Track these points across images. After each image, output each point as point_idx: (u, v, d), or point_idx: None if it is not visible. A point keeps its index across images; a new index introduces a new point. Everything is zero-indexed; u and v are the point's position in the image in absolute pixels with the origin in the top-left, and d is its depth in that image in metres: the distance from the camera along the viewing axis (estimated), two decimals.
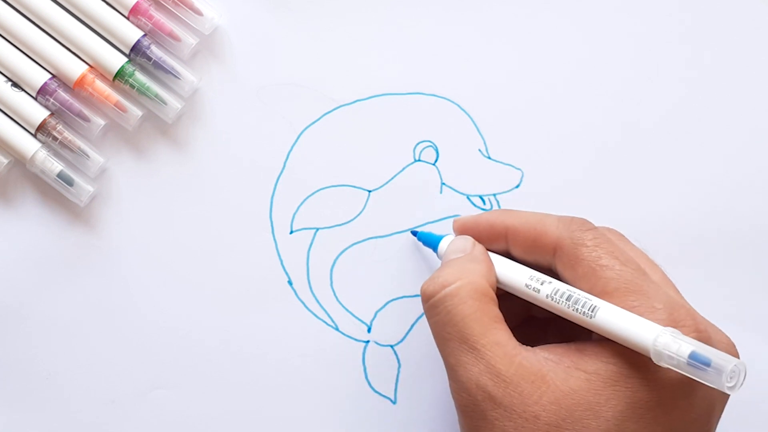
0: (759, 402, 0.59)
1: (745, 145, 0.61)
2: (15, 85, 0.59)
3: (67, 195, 0.59)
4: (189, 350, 0.59)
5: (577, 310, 0.50)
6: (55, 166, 0.59)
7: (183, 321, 0.59)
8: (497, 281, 0.53)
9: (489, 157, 0.60)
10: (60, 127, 0.59)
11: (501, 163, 0.60)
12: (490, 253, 0.54)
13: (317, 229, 0.60)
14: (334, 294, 0.60)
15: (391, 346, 0.59)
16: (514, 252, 0.54)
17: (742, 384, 0.46)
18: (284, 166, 0.60)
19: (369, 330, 0.59)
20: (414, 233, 0.59)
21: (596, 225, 0.53)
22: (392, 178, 0.60)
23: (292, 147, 0.60)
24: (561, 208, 0.59)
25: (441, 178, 0.60)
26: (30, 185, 0.60)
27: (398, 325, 0.59)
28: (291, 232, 0.60)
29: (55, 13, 0.59)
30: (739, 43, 0.61)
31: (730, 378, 0.46)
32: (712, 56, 0.61)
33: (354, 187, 0.60)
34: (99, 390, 0.59)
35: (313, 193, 0.60)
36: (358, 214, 0.60)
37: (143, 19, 0.59)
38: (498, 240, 0.54)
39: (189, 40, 0.59)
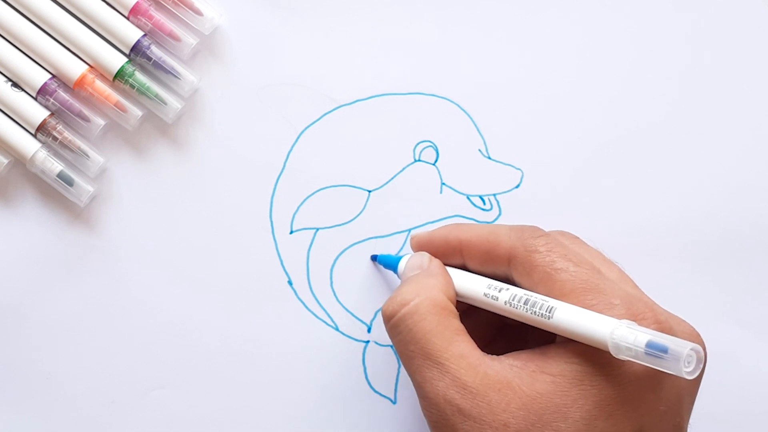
0: (759, 402, 0.59)
1: (745, 146, 0.61)
2: (15, 85, 0.59)
3: (67, 195, 0.59)
4: (189, 350, 0.59)
5: (534, 312, 0.50)
6: (55, 166, 0.59)
7: (183, 321, 0.59)
8: (456, 294, 0.53)
9: (489, 157, 0.60)
10: (60, 127, 0.59)
11: (501, 163, 0.60)
12: (448, 267, 0.54)
13: (317, 229, 0.60)
14: (334, 294, 0.60)
15: (391, 346, 0.59)
16: (471, 265, 0.54)
17: (701, 368, 0.46)
18: (284, 166, 0.60)
19: (369, 330, 0.59)
20: (374, 258, 0.59)
21: (547, 231, 0.53)
22: (392, 178, 0.60)
23: (292, 147, 0.60)
24: (561, 207, 0.59)
25: (441, 178, 0.60)
26: (30, 185, 0.60)
27: None
28: (291, 232, 0.60)
29: (55, 13, 0.59)
30: (739, 44, 0.61)
31: (688, 363, 0.46)
32: (712, 56, 0.61)
33: (354, 187, 0.60)
34: (99, 390, 0.59)
35: (313, 193, 0.60)
36: (358, 214, 0.60)
37: (143, 19, 0.59)
38: (454, 254, 0.54)
39: (189, 40, 0.59)
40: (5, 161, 0.59)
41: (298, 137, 0.60)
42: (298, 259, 0.60)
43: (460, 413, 0.49)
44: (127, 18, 0.59)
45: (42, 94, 0.59)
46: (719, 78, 0.61)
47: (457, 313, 0.52)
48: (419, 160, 0.60)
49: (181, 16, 0.59)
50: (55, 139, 0.59)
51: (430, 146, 0.60)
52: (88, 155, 0.59)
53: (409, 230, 0.60)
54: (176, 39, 0.59)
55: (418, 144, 0.60)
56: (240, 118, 0.60)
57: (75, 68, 0.59)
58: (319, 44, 0.60)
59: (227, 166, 0.60)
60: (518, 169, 0.60)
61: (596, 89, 0.61)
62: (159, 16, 0.59)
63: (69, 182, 0.59)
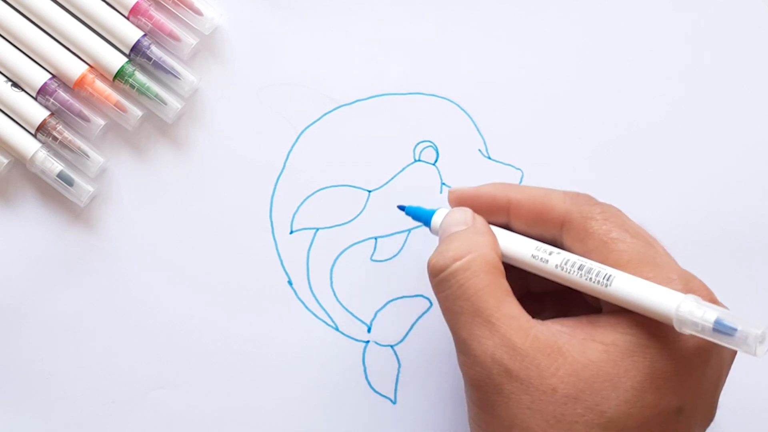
0: (759, 402, 0.59)
1: (746, 146, 0.61)
2: (15, 85, 0.59)
3: (67, 195, 0.59)
4: (189, 350, 0.59)
5: (591, 279, 0.49)
6: (55, 166, 0.59)
7: (183, 321, 0.59)
8: (503, 255, 0.52)
9: (489, 157, 0.60)
10: (60, 127, 0.59)
11: (501, 163, 0.60)
12: (495, 229, 0.53)
13: (317, 229, 0.60)
14: (334, 294, 0.60)
15: (391, 346, 0.59)
16: (516, 226, 0.53)
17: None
18: (284, 166, 0.60)
19: (369, 330, 0.59)
20: (401, 208, 0.57)
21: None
22: (392, 178, 0.60)
23: (292, 147, 0.60)
24: None
25: (441, 178, 0.60)
26: (30, 185, 0.60)
27: (398, 325, 0.59)
28: (291, 232, 0.60)
29: (55, 13, 0.59)
30: (739, 44, 0.61)
31: (761, 343, 0.46)
32: (712, 56, 0.61)
33: (354, 187, 0.60)
34: (99, 390, 0.59)
35: (313, 193, 0.60)
36: (358, 214, 0.60)
37: (143, 19, 0.59)
38: (499, 213, 0.53)
39: (189, 40, 0.59)
40: (5, 161, 0.59)
41: (298, 137, 0.60)
42: (298, 259, 0.60)
43: (507, 374, 0.48)
44: (127, 18, 0.59)
45: (42, 94, 0.59)
46: (719, 78, 0.61)
47: (505, 274, 0.51)
48: (419, 160, 0.60)
49: (181, 16, 0.59)
50: (55, 139, 0.59)
51: (430, 146, 0.60)
52: (88, 155, 0.59)
53: (410, 230, 0.60)
54: (176, 39, 0.59)
55: (418, 144, 0.60)
56: (240, 118, 0.60)
57: (75, 68, 0.59)
58: (319, 44, 0.60)
59: (227, 166, 0.60)
60: (518, 169, 0.60)
61: (596, 89, 0.61)
62: (159, 16, 0.59)
63: (69, 182, 0.59)
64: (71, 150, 0.59)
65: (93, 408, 0.59)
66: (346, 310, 0.59)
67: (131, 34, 0.59)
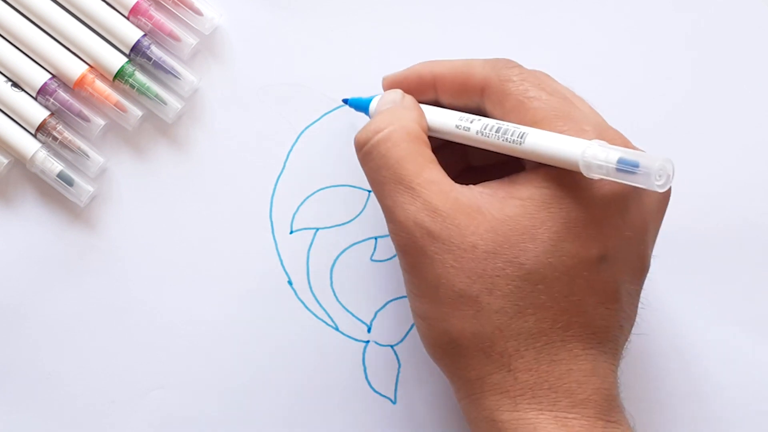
0: (759, 402, 0.59)
1: (746, 146, 0.61)
2: (15, 85, 0.59)
3: (67, 195, 0.59)
4: (189, 350, 0.59)
5: (506, 140, 0.50)
6: (55, 166, 0.59)
7: (183, 321, 0.59)
8: (429, 128, 0.53)
9: None
10: (60, 127, 0.59)
11: None
12: (422, 105, 0.54)
13: (317, 229, 0.60)
14: (334, 294, 0.60)
15: (391, 346, 0.59)
16: (444, 99, 0.55)
17: (670, 183, 0.47)
18: (284, 166, 0.60)
19: (369, 330, 0.59)
20: (345, 101, 0.59)
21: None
22: None
23: (292, 147, 0.60)
24: None
25: None
26: (30, 185, 0.60)
27: (398, 325, 0.59)
28: (291, 232, 0.60)
29: (55, 13, 0.59)
30: (739, 44, 0.61)
31: (659, 176, 0.47)
32: (712, 56, 0.61)
33: (354, 187, 0.60)
34: (99, 390, 0.59)
35: (313, 193, 0.60)
36: (358, 214, 0.60)
37: (143, 19, 0.59)
38: (427, 90, 0.55)
39: (189, 40, 0.59)
40: (5, 161, 0.59)
41: (298, 137, 0.60)
42: (298, 259, 0.60)
43: (429, 236, 0.50)
44: (127, 18, 0.59)
45: (42, 94, 0.59)
46: (719, 78, 0.61)
47: (429, 144, 0.52)
48: None
49: (181, 16, 0.59)
50: (55, 139, 0.59)
51: None
52: (88, 155, 0.59)
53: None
54: (176, 39, 0.59)
55: None
56: (240, 118, 0.60)
57: (75, 68, 0.59)
58: (319, 44, 0.60)
59: (227, 166, 0.60)
60: None
61: (596, 89, 0.60)
62: (159, 16, 0.59)
63: (69, 182, 0.59)
64: (71, 150, 0.59)
65: (93, 408, 0.59)
66: (346, 310, 0.59)
67: (131, 34, 0.59)
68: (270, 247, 0.60)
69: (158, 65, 0.59)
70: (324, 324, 0.59)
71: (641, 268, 0.51)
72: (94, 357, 0.59)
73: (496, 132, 0.51)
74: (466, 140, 0.52)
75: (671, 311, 0.60)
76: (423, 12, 0.61)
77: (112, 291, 0.59)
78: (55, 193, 0.59)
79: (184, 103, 0.60)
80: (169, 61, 0.59)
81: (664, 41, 0.61)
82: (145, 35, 0.59)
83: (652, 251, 0.52)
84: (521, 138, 0.50)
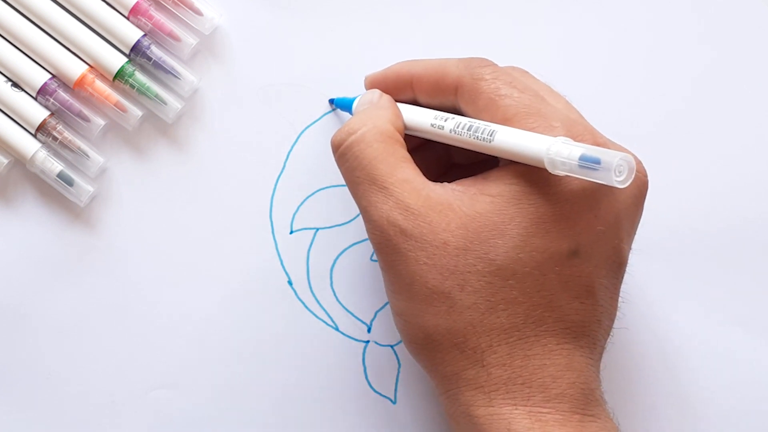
0: (759, 402, 0.59)
1: (746, 146, 0.61)
2: (15, 85, 0.59)
3: (67, 195, 0.59)
4: (189, 350, 0.59)
5: (477, 137, 0.51)
6: (55, 166, 0.59)
7: (183, 321, 0.59)
8: (406, 127, 0.54)
9: None
10: (60, 127, 0.59)
11: None
12: (399, 104, 0.55)
13: (317, 229, 0.60)
14: (334, 294, 0.60)
15: (391, 346, 0.59)
16: (421, 99, 0.55)
17: (631, 178, 0.47)
18: (284, 166, 0.60)
19: (369, 330, 0.59)
20: (331, 101, 0.60)
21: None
22: None
23: (292, 147, 0.60)
24: None
25: None
26: (30, 185, 0.60)
27: None
28: (291, 232, 0.60)
29: (55, 13, 0.59)
30: (739, 44, 0.61)
31: (619, 172, 0.47)
32: (712, 57, 0.61)
33: None
34: (99, 390, 0.59)
35: (313, 193, 0.60)
36: (358, 214, 0.60)
37: (143, 19, 0.59)
38: (405, 89, 0.55)
39: (189, 40, 0.59)
40: (5, 161, 0.59)
41: (298, 137, 0.60)
42: (298, 259, 0.60)
43: (402, 234, 0.50)
44: (127, 18, 0.59)
45: (42, 94, 0.59)
46: (719, 78, 0.61)
47: (404, 143, 0.53)
48: None
49: (181, 16, 0.59)
50: (55, 139, 0.59)
51: None
52: (88, 155, 0.59)
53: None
54: (176, 39, 0.59)
55: None
56: (240, 118, 0.60)
57: (75, 68, 0.59)
58: (319, 44, 0.60)
59: (227, 166, 0.60)
60: None
61: (596, 90, 0.61)
62: (159, 16, 0.59)
63: (69, 182, 0.59)
64: (71, 150, 0.59)
65: (93, 408, 0.59)
66: (346, 310, 0.59)
67: (131, 34, 0.59)
68: (270, 247, 0.60)
69: (158, 65, 0.59)
70: (324, 324, 0.59)
71: (617, 262, 0.51)
72: (94, 357, 0.59)
73: (467, 130, 0.51)
74: (441, 138, 0.53)
75: (670, 311, 0.60)
76: (423, 12, 0.61)
77: (112, 291, 0.59)
78: (55, 193, 0.59)
79: (184, 103, 0.60)
80: (169, 61, 0.59)
81: (664, 41, 0.61)
82: (145, 35, 0.59)
83: (629, 246, 0.52)
84: (491, 136, 0.50)
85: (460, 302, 0.50)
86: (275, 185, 0.60)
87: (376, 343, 0.59)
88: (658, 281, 0.60)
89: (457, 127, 0.52)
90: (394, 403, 0.59)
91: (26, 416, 0.59)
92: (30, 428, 0.59)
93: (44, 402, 0.59)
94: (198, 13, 0.59)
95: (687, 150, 0.60)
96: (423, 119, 0.54)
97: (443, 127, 0.52)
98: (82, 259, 0.59)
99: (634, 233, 0.53)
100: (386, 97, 0.55)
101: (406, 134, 0.54)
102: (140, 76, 0.59)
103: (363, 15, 0.61)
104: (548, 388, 0.49)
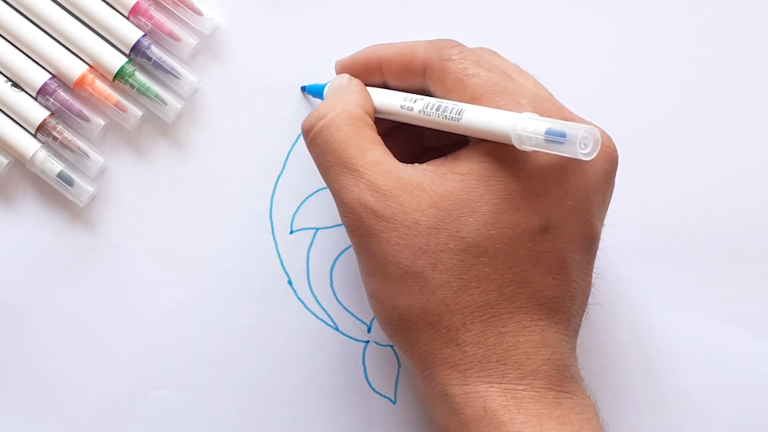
0: (759, 402, 0.59)
1: (745, 146, 0.61)
2: (15, 85, 0.59)
3: (67, 195, 0.59)
4: (189, 350, 0.59)
5: (446, 117, 0.51)
6: (55, 166, 0.59)
7: (183, 321, 0.59)
8: (376, 110, 0.54)
9: None
10: (60, 127, 0.59)
11: None
12: (369, 88, 0.55)
13: (317, 229, 0.60)
14: (334, 294, 0.60)
15: (391, 346, 0.59)
16: (390, 82, 0.55)
17: (596, 151, 0.47)
18: (284, 166, 0.60)
19: (369, 330, 0.59)
20: (303, 89, 0.60)
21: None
22: None
23: (292, 147, 0.60)
24: None
25: None
26: (30, 185, 0.60)
27: None
28: (291, 232, 0.60)
29: (55, 13, 0.59)
30: (739, 44, 0.61)
31: (584, 145, 0.47)
32: (712, 57, 0.61)
33: None
34: (99, 390, 0.59)
35: (313, 193, 0.60)
36: None
37: (143, 19, 0.59)
38: (374, 73, 0.56)
39: (189, 40, 0.59)
40: (5, 161, 0.59)
41: (298, 137, 0.60)
42: (298, 259, 0.60)
43: (374, 215, 0.50)
44: (127, 18, 0.59)
45: (42, 94, 0.59)
46: (719, 78, 0.61)
47: (374, 126, 0.53)
48: None
49: (181, 16, 0.59)
50: (55, 139, 0.59)
51: None
52: (88, 155, 0.59)
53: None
54: (176, 39, 0.59)
55: None
56: (240, 118, 0.60)
57: (75, 68, 0.59)
58: (319, 44, 0.60)
59: (227, 166, 0.60)
60: None
61: (595, 89, 0.61)
62: (159, 16, 0.59)
63: (69, 182, 0.59)
64: (71, 150, 0.59)
65: (93, 408, 0.59)
66: (346, 310, 0.60)
67: (131, 34, 0.59)
68: (270, 247, 0.60)
69: (158, 65, 0.59)
70: (324, 324, 0.59)
71: (589, 237, 0.51)
72: (95, 357, 0.59)
73: (436, 110, 0.51)
74: (411, 120, 0.53)
75: (670, 311, 0.60)
76: (422, 12, 0.61)
77: (112, 291, 0.59)
78: (55, 193, 0.59)
79: (184, 103, 0.60)
80: (169, 61, 0.59)
81: (663, 41, 0.61)
82: (145, 35, 0.59)
83: (600, 221, 0.52)
84: (459, 114, 0.50)
85: (432, 281, 0.50)
86: (275, 185, 0.60)
87: (376, 343, 0.59)
88: (658, 281, 0.60)
89: (426, 108, 0.52)
90: (394, 403, 0.59)
91: (26, 416, 0.59)
92: (30, 428, 0.59)
93: (44, 402, 0.59)
94: (198, 13, 0.59)
95: (687, 149, 0.60)
96: (392, 101, 0.54)
97: (412, 108, 0.52)
98: (82, 259, 0.59)
99: (606, 209, 0.53)
100: (355, 81, 0.56)
101: (377, 118, 0.54)
102: (140, 76, 0.59)
103: (363, 15, 0.61)
104: (523, 365, 0.49)
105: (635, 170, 0.60)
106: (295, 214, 0.60)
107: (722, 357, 0.59)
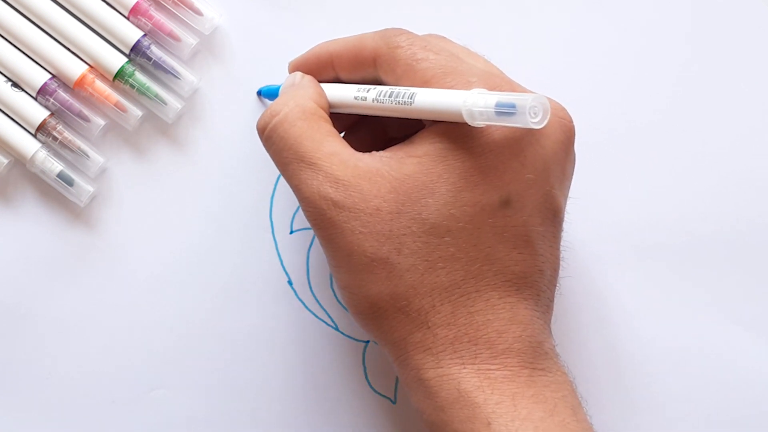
0: (759, 402, 0.59)
1: (744, 146, 0.61)
2: (15, 85, 0.59)
3: (67, 195, 0.59)
4: (189, 350, 0.59)
5: (398, 102, 0.51)
6: (55, 166, 0.59)
7: (183, 321, 0.59)
8: (330, 105, 0.54)
9: None
10: (60, 127, 0.59)
11: None
12: (323, 84, 0.55)
13: None
14: (334, 294, 0.60)
15: None
16: (343, 76, 0.55)
17: (546, 118, 0.47)
18: None
19: None
20: (259, 93, 0.60)
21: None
22: None
23: None
24: None
25: None
26: (30, 185, 0.60)
27: None
28: (291, 232, 0.60)
29: (55, 13, 0.59)
30: (739, 44, 0.61)
31: (534, 114, 0.47)
32: (711, 56, 0.61)
33: None
34: (99, 390, 0.59)
35: None
36: None
37: (143, 19, 0.59)
38: (326, 69, 0.56)
39: (189, 40, 0.59)
40: (5, 161, 0.59)
41: None
42: (298, 259, 0.60)
43: (335, 206, 0.50)
44: (127, 18, 0.59)
45: (42, 94, 0.59)
46: (718, 78, 0.61)
47: (329, 119, 0.53)
48: None
49: (181, 16, 0.59)
50: (55, 139, 0.59)
51: None
52: (88, 155, 0.59)
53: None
54: (176, 39, 0.59)
55: None
56: (240, 118, 0.60)
57: (75, 68, 0.59)
58: None
59: (227, 166, 0.60)
60: None
61: (593, 89, 0.61)
62: (159, 16, 0.59)
63: (69, 182, 0.59)
64: (71, 150, 0.59)
65: (93, 408, 0.59)
66: (346, 310, 0.59)
67: (131, 34, 0.59)
68: (270, 247, 0.60)
69: (158, 65, 0.59)
70: (324, 324, 0.59)
71: (551, 209, 0.51)
72: (94, 357, 0.59)
73: (389, 97, 0.51)
74: (366, 110, 0.53)
75: (670, 311, 0.60)
76: (422, 13, 0.61)
77: (112, 291, 0.59)
78: (55, 193, 0.59)
79: (184, 103, 0.60)
80: (169, 61, 0.59)
81: (662, 40, 0.61)
82: (145, 35, 0.59)
83: (563, 193, 0.52)
84: (411, 98, 0.51)
85: (398, 266, 0.50)
86: (275, 185, 0.60)
87: (376, 343, 0.59)
88: (657, 281, 0.60)
89: (379, 96, 0.52)
90: (394, 403, 0.59)
91: (26, 416, 0.59)
92: (30, 428, 0.59)
93: (44, 402, 0.59)
94: (198, 13, 0.59)
95: (686, 149, 0.60)
96: (346, 93, 0.54)
97: (366, 98, 0.53)
98: (82, 259, 0.59)
99: (568, 181, 0.53)
100: (308, 77, 0.56)
101: (338, 114, 0.54)
102: (140, 76, 0.59)
103: (363, 15, 0.61)
104: (494, 343, 0.49)
105: (633, 170, 0.60)
106: (295, 214, 0.60)
107: (722, 357, 0.59)
